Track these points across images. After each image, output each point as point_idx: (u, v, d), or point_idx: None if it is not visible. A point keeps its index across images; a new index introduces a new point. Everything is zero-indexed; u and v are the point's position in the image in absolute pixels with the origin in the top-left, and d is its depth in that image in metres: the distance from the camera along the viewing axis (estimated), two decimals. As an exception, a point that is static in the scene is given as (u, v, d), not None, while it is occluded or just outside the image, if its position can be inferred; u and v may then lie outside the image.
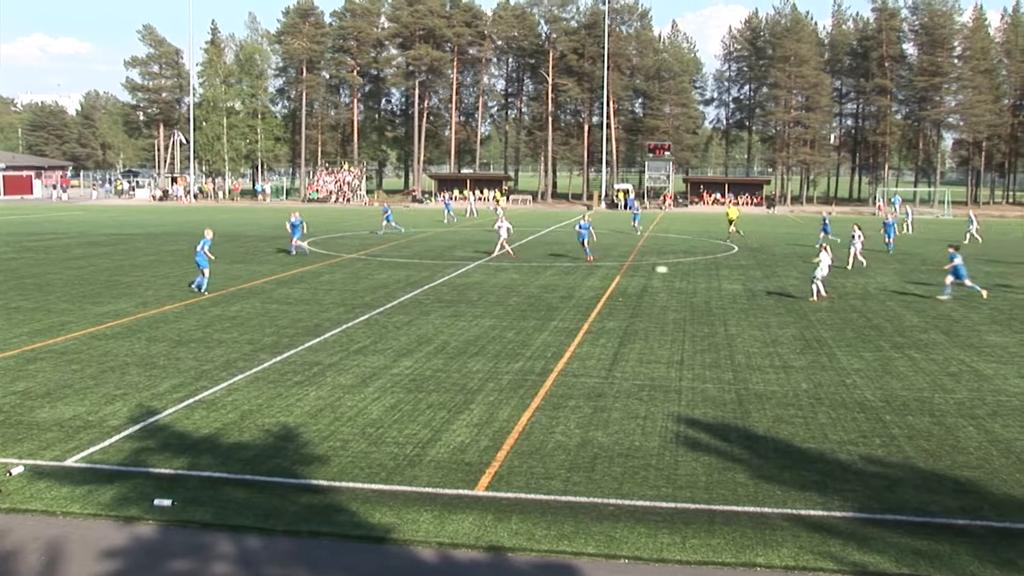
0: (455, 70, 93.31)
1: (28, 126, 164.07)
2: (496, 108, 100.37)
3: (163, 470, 10.35)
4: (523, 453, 11.03)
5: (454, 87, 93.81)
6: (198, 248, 24.02)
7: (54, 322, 19.28)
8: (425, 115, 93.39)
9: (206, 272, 23.73)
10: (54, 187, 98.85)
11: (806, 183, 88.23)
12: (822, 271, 22.35)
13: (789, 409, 12.75)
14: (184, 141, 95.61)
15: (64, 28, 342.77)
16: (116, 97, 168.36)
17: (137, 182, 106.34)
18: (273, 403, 13.27)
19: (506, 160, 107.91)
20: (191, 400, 13.28)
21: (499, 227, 33.35)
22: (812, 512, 9.28)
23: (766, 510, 9.34)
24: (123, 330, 18.54)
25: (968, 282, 22.76)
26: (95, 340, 17.45)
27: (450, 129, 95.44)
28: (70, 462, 10.52)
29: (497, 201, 76.30)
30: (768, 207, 78.26)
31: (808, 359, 16.02)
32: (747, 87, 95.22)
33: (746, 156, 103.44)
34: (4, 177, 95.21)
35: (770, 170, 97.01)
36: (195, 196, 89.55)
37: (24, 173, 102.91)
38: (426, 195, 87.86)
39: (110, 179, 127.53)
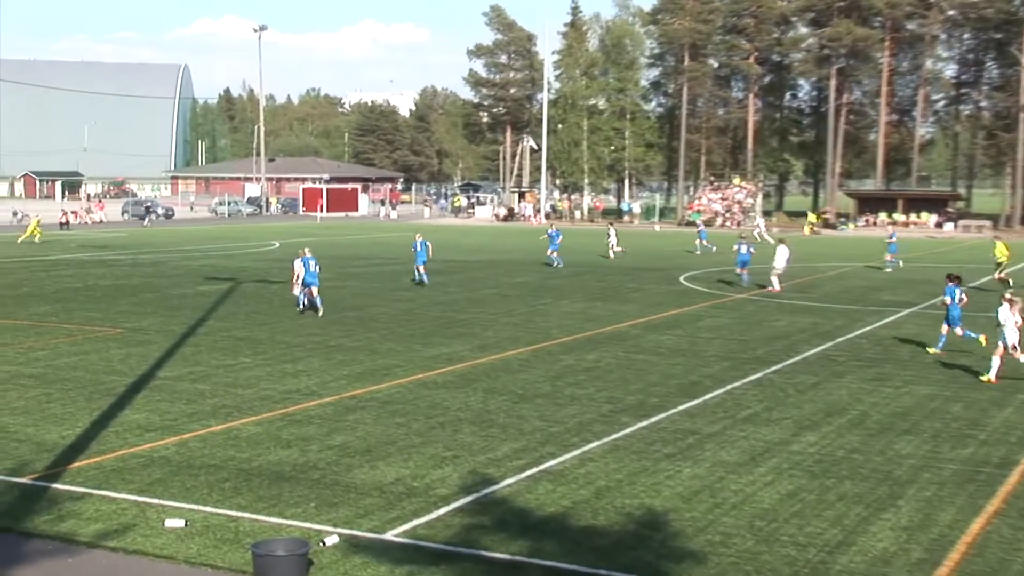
0: (887, 52, 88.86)
1: (356, 130, 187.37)
2: (944, 103, 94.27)
3: (498, 554, 10.83)
4: (973, 575, 10.29)
5: (885, 75, 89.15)
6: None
7: (378, 365, 21.43)
8: (843, 113, 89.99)
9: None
10: (382, 203, 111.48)
11: None
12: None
13: None
14: (535, 148, 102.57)
15: (399, 13, 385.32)
16: (456, 94, 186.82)
17: (478, 198, 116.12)
18: (636, 479, 13.51)
19: (955, 173, 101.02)
20: (535, 469, 13.89)
21: (778, 258, 35.98)
22: None
23: None
24: (456, 378, 20.06)
25: None
26: (423, 389, 19.09)
27: (877, 131, 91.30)
28: (390, 535, 11.36)
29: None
30: None
31: None
32: None
33: None
34: (328, 191, 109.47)
35: None
36: (546, 216, 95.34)
37: (350, 186, 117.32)
38: (842, 219, 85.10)
39: (446, 194, 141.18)
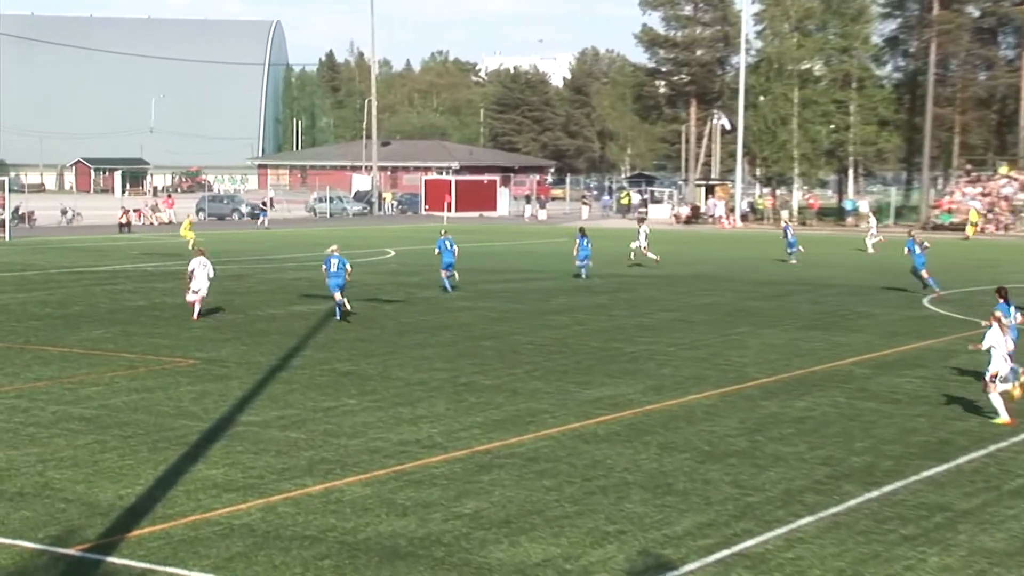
0: None
1: (494, 105, 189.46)
2: None
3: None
4: None
5: None
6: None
7: (520, 410, 21.59)
8: None
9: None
10: (527, 200, 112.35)
11: None
12: None
13: None
14: (729, 127, 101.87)
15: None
16: (624, 58, 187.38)
17: (652, 193, 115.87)
18: (865, 568, 13.33)
19: None
20: (726, 551, 13.81)
21: None
22: None
23: None
24: (623, 429, 20.11)
25: None
26: (580, 442, 19.15)
27: None
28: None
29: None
30: None
31: None
32: None
33: None
34: (458, 184, 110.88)
35: None
36: (742, 217, 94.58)
37: (486, 178, 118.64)
38: None
39: (610, 188, 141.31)
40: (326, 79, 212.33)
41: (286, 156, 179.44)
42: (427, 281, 44.65)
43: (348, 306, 33.23)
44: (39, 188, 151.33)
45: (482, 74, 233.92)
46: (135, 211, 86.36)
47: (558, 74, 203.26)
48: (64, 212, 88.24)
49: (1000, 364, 20.88)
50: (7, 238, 68.70)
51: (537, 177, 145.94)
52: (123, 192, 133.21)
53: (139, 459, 17.70)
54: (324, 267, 33.61)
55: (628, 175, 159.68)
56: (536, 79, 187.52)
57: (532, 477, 16.94)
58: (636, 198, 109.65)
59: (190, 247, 60.21)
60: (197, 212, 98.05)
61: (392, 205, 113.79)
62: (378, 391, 23.19)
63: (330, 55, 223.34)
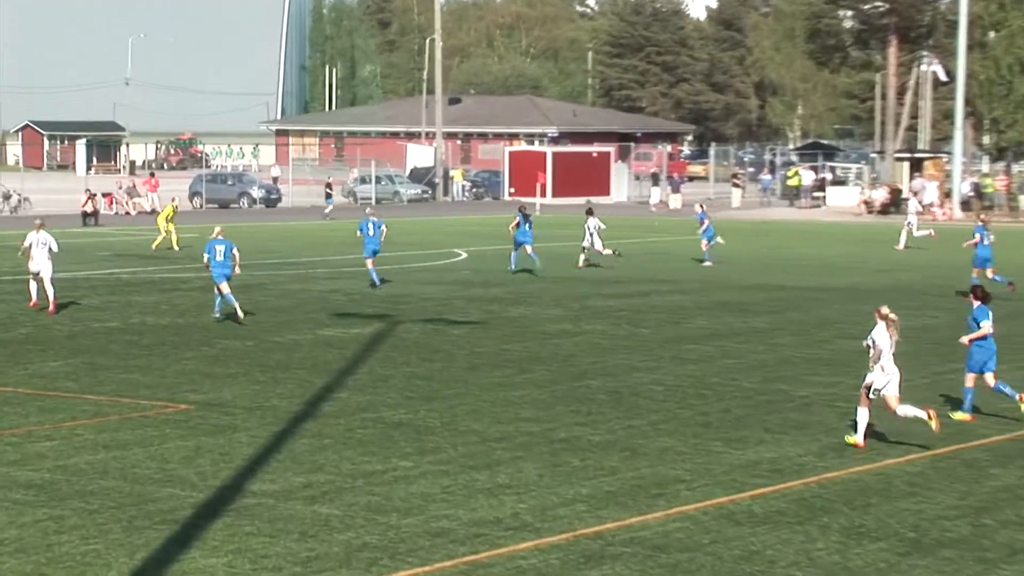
0: None
1: (607, 46, 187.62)
2: None
3: None
4: None
5: None
6: None
7: (643, 477, 21.57)
8: None
9: None
10: (654, 178, 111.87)
11: None
12: None
13: None
14: (945, 76, 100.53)
15: None
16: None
17: (832, 171, 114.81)
18: None
19: None
20: None
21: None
22: None
23: None
24: (789, 505, 20.05)
25: None
26: (727, 523, 19.07)
27: None
28: None
29: None
30: None
31: None
32: None
33: None
34: (555, 158, 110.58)
35: None
36: (962, 204, 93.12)
37: (595, 148, 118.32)
38: None
39: (773, 163, 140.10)
40: (371, 11, 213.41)
41: (315, 119, 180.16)
42: (513, 295, 44.77)
43: (241, 313, 37.57)
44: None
45: (590, 3, 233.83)
46: (104, 196, 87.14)
47: (698, 4, 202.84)
48: (6, 197, 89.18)
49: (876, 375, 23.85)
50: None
51: (668, 148, 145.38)
52: (88, 169, 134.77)
53: (109, 543, 17.81)
54: (206, 255, 38.06)
55: (798, 145, 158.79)
56: (668, 9, 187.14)
57: (660, 573, 16.88)
58: (808, 177, 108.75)
59: (174, 245, 60.91)
60: (191, 197, 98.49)
61: (463, 187, 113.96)
62: (442, 449, 23.27)
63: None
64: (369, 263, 47.30)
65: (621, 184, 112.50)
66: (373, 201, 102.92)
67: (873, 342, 23.95)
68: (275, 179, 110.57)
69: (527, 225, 52.76)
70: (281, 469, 21.75)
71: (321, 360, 32.22)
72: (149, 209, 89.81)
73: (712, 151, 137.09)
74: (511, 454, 22.92)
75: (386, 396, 27.91)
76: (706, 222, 58.43)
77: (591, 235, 55.62)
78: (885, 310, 24.22)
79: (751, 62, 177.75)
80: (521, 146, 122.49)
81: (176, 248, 60.70)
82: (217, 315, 38.33)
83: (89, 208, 79.70)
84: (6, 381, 29.26)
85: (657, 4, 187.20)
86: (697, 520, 19.17)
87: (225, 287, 37.98)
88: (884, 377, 23.64)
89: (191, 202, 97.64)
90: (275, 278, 50.52)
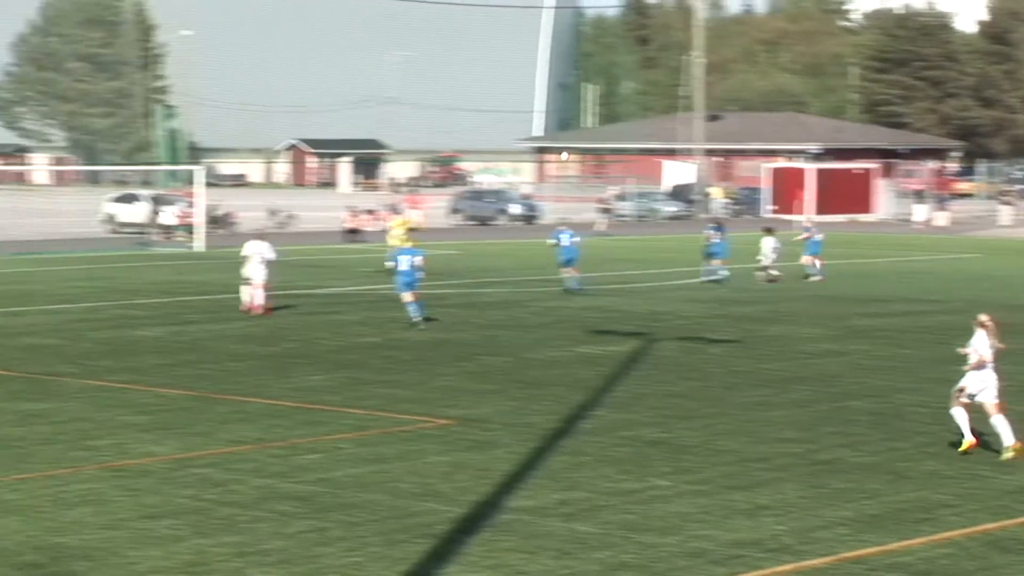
0: None
1: (871, 60, 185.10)
2: None
3: None
4: None
5: None
6: None
7: (907, 501, 21.20)
8: None
9: None
10: (919, 195, 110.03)
11: None
12: None
13: None
14: None
15: None
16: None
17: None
18: None
19: None
20: None
21: None
22: None
23: None
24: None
25: None
26: (996, 551, 18.65)
27: None
28: None
29: None
30: None
31: None
32: None
33: None
34: (819, 175, 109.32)
35: None
36: None
37: (858, 165, 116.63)
38: None
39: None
40: (631, 28, 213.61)
41: (573, 136, 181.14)
42: (770, 313, 44.59)
43: (418, 323, 40.52)
44: (241, 180, 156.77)
45: (855, 17, 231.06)
46: (367, 213, 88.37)
47: (967, 16, 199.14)
48: (273, 213, 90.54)
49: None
50: (200, 247, 71.43)
51: (934, 165, 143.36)
52: (352, 186, 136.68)
53: (370, 555, 18.07)
54: (391, 263, 43.00)
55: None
56: (935, 23, 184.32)
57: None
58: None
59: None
60: (452, 212, 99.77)
61: (723, 204, 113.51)
62: (700, 468, 23.20)
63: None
64: (565, 271, 50.99)
65: (885, 201, 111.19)
66: (633, 217, 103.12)
67: (975, 349, 24.52)
68: (526, 196, 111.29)
69: (720, 237, 55.05)
70: (538, 486, 21.87)
71: (578, 377, 32.34)
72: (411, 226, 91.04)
73: (980, 168, 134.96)
74: (771, 475, 22.78)
75: (642, 414, 27.93)
76: (812, 235, 59.29)
77: (769, 253, 56.91)
78: (984, 317, 24.90)
79: (1023, 76, 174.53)
80: (780, 162, 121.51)
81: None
82: (416, 320, 40.65)
83: (352, 225, 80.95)
84: (272, 394, 29.89)
85: (923, 18, 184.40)
86: (963, 547, 18.85)
87: (408, 296, 40.58)
88: (980, 383, 24.40)
89: (452, 216, 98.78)
90: (533, 295, 50.83)
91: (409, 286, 40.53)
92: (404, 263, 40.66)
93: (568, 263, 51.33)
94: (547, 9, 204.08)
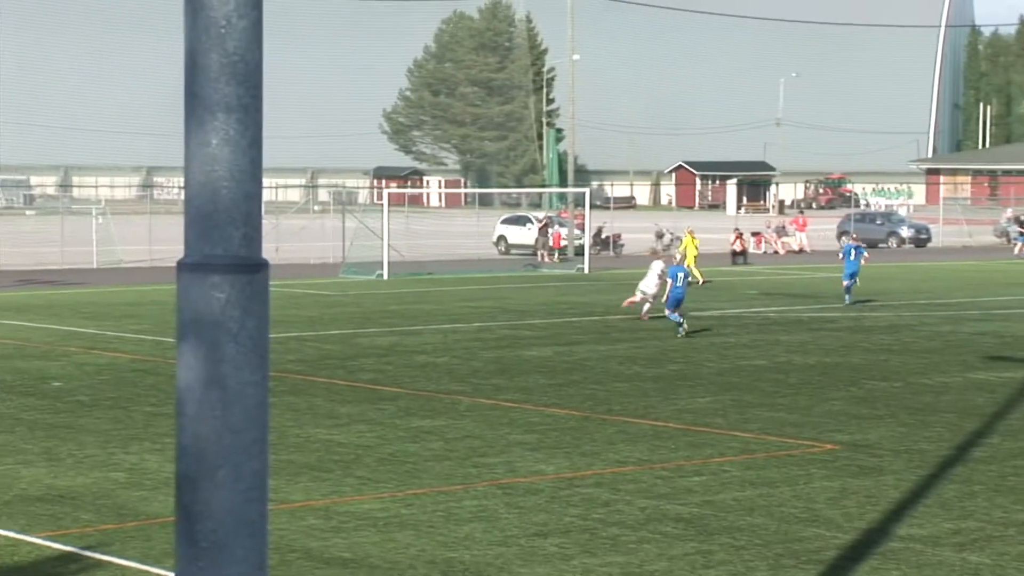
0: None
1: None
2: None
3: None
4: None
5: None
6: None
7: None
8: None
9: None
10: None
11: None
12: None
13: None
14: None
15: None
16: None
17: None
18: None
19: None
20: None
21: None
22: None
23: None
24: None
25: None
26: None
27: None
28: None
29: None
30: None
31: None
32: None
33: None
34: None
35: None
36: None
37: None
38: None
39: None
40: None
41: (967, 157, 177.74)
42: None
43: (683, 331, 43.67)
44: (629, 203, 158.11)
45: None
46: (753, 235, 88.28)
47: None
48: (659, 235, 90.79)
49: None
50: (585, 269, 72.30)
51: None
52: (738, 208, 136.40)
53: (755, 579, 18.11)
54: (669, 280, 45.18)
55: None
56: None
57: None
58: None
59: (698, 278, 61.40)
60: (839, 236, 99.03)
61: None
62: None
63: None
64: (846, 282, 53.81)
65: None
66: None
67: None
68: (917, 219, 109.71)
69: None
70: (929, 514, 21.53)
71: (971, 404, 31.74)
72: (797, 248, 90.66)
73: None
74: None
75: (1039, 442, 27.28)
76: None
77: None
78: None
79: None
80: None
81: (699, 281, 61.55)
82: (681, 333, 43.44)
83: (738, 247, 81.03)
84: (658, 415, 30.07)
85: None
86: None
87: (672, 311, 43.83)
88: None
89: (837, 240, 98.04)
90: (924, 319, 50.06)
91: (677, 301, 43.75)
92: (679, 280, 44.01)
93: (851, 277, 53.79)
94: (941, 29, 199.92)
